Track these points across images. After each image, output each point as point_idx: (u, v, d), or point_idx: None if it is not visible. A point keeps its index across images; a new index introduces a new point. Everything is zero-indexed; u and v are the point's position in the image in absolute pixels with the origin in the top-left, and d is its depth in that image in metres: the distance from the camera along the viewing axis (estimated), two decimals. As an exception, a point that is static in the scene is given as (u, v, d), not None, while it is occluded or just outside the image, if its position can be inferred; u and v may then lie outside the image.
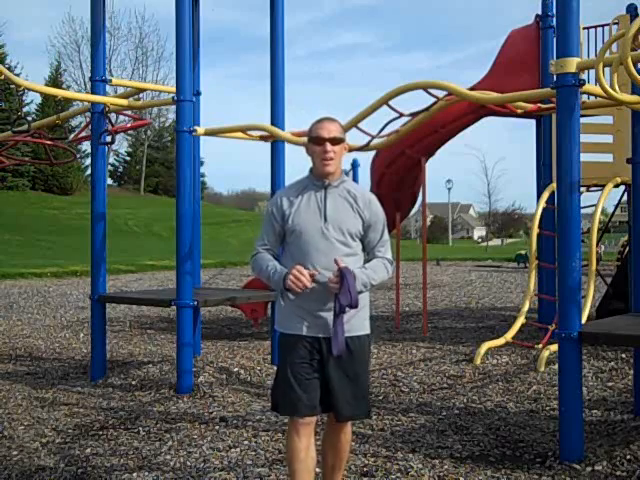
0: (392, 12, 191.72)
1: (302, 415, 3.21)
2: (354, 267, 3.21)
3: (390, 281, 17.72)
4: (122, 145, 58.97)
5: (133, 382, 6.52)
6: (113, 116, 7.73)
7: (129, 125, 8.83)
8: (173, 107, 6.37)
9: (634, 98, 4.86)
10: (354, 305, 3.10)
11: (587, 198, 12.23)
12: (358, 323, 3.29)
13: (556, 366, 4.82)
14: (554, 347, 6.55)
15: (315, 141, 3.26)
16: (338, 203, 3.29)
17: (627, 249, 9.02)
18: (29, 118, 8.51)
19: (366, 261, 3.37)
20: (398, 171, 9.94)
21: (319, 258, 3.21)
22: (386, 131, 6.38)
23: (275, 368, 3.66)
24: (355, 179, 16.16)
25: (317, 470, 4.04)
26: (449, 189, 59.08)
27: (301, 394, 3.18)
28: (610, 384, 6.13)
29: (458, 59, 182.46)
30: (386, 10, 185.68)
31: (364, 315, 3.33)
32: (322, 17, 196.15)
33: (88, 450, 4.57)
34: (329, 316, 3.20)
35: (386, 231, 3.41)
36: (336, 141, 3.25)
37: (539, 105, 6.38)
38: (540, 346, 7.27)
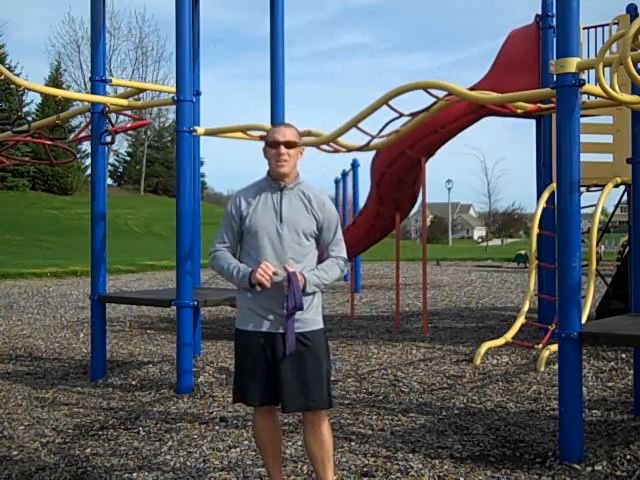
0: (393, 12, 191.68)
1: (252, 406, 3.53)
2: (309, 266, 3.44)
3: (390, 281, 17.73)
4: (122, 145, 59.07)
5: (133, 382, 6.52)
6: (113, 116, 7.74)
7: (129, 125, 8.83)
8: (173, 107, 6.37)
9: (634, 98, 4.86)
10: (298, 308, 3.32)
11: (587, 198, 12.24)
12: (311, 319, 3.47)
13: (556, 366, 4.82)
14: (554, 347, 6.55)
15: (271, 144, 3.47)
16: (293, 204, 3.48)
17: (627, 249, 9.02)
18: (29, 118, 8.50)
19: (321, 260, 3.56)
20: (398, 171, 9.93)
21: (275, 257, 3.40)
22: (386, 131, 6.38)
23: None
24: (355, 179, 16.28)
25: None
26: (449, 189, 59.13)
27: (250, 389, 3.44)
28: (610, 384, 6.13)
29: (459, 59, 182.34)
30: (387, 10, 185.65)
31: (317, 311, 3.51)
32: (323, 17, 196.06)
33: (88, 450, 4.58)
34: (283, 312, 3.38)
35: (339, 231, 3.59)
36: (290, 144, 3.46)
37: (539, 105, 6.37)
38: (540, 346, 7.27)
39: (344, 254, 3.58)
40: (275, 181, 3.50)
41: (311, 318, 3.46)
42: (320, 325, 3.51)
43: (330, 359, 3.63)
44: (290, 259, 3.39)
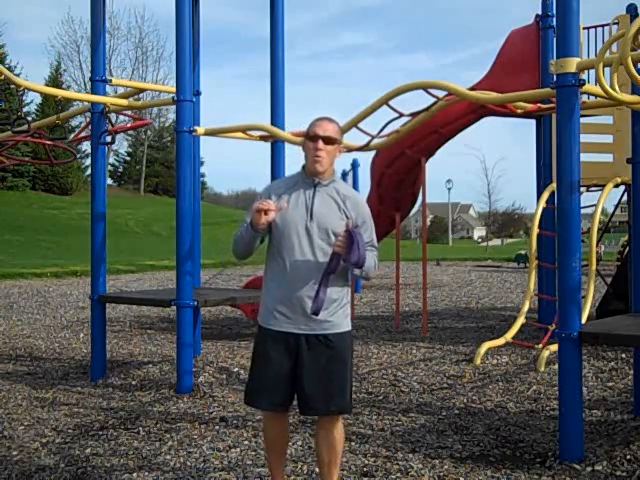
0: (394, 13, 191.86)
1: (264, 409, 3.45)
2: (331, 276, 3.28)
3: (390, 281, 17.72)
4: (122, 145, 59.01)
5: (133, 382, 6.52)
6: (113, 116, 7.73)
7: (129, 125, 8.84)
8: (173, 107, 6.36)
9: (634, 98, 4.86)
10: (362, 263, 3.20)
11: (587, 198, 12.26)
12: (339, 320, 3.36)
13: (556, 366, 4.82)
14: (554, 347, 6.55)
15: (309, 138, 3.34)
16: (325, 202, 3.36)
17: (627, 249, 9.02)
18: (29, 118, 8.50)
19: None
20: (398, 171, 9.94)
21: (301, 254, 3.29)
22: (386, 131, 6.38)
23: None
24: (355, 179, 16.27)
25: (318, 470, 4.06)
26: (449, 189, 59.07)
27: (266, 392, 3.35)
28: (610, 384, 6.13)
29: (460, 59, 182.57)
30: (388, 11, 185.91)
31: (346, 312, 3.40)
32: (325, 18, 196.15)
33: (88, 450, 4.57)
34: (307, 312, 3.28)
35: (374, 233, 3.48)
36: (330, 140, 3.32)
37: (539, 105, 6.38)
38: (540, 346, 7.26)
39: (377, 259, 3.43)
40: (309, 177, 3.38)
41: (338, 320, 3.34)
42: (347, 327, 3.40)
43: (352, 363, 3.52)
44: (318, 262, 3.26)
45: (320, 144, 3.30)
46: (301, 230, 3.30)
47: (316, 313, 3.22)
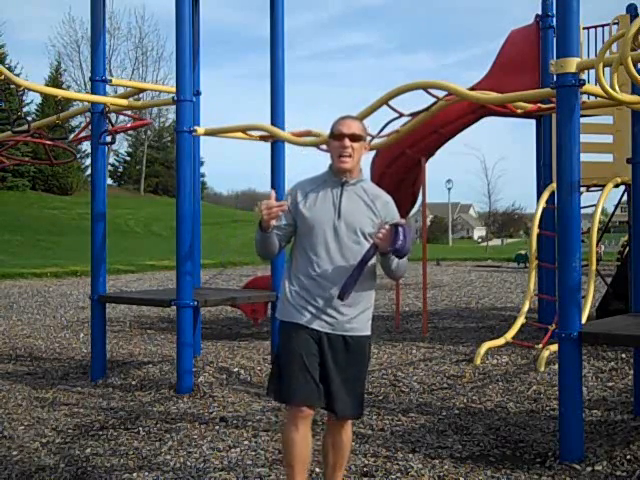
0: (395, 13, 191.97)
1: (300, 404, 3.22)
2: (367, 272, 3.26)
3: (390, 281, 17.71)
4: (122, 145, 58.93)
5: (133, 382, 6.52)
6: (113, 116, 7.74)
7: (129, 125, 8.84)
8: (173, 107, 6.37)
9: (634, 98, 4.86)
10: (406, 252, 3.18)
11: (587, 198, 12.23)
12: (361, 324, 3.33)
13: (556, 366, 4.82)
14: (554, 347, 6.55)
15: (335, 136, 3.31)
16: (353, 201, 3.33)
17: (627, 249, 9.02)
18: (29, 118, 8.50)
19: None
20: (398, 171, 9.93)
21: (328, 253, 3.25)
22: (386, 131, 6.38)
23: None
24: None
25: (318, 470, 4.06)
26: (449, 189, 59.09)
27: (297, 386, 3.21)
28: (610, 384, 6.13)
29: (461, 59, 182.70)
30: (389, 11, 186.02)
31: (368, 316, 3.36)
32: (325, 18, 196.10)
33: (88, 450, 4.57)
34: (333, 312, 3.25)
35: None
36: (355, 137, 3.29)
37: (539, 105, 6.38)
38: (540, 346, 7.27)
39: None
40: (336, 175, 3.33)
41: (360, 324, 3.30)
42: (367, 332, 3.37)
43: (367, 368, 3.49)
44: (346, 261, 3.23)
45: (346, 141, 3.27)
46: (329, 229, 3.27)
47: (342, 298, 3.18)
